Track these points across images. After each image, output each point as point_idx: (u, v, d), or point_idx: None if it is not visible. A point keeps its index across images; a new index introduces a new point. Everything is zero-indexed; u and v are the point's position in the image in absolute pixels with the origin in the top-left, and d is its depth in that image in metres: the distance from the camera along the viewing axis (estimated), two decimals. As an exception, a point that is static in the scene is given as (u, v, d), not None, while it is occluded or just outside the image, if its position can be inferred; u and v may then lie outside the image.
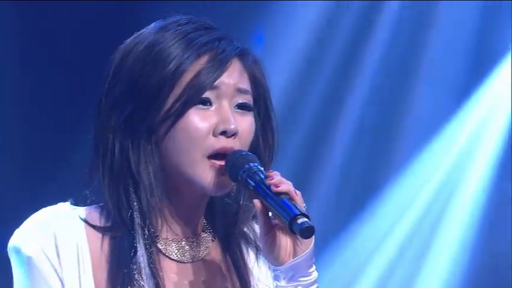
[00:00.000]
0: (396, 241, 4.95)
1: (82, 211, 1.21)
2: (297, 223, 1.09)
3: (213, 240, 1.25)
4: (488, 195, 4.96)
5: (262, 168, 1.16)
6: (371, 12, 6.05)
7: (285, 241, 1.14)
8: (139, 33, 1.22)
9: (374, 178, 5.46)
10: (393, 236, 4.95)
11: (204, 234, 1.24)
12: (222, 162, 1.17)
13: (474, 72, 5.83)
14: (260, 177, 1.14)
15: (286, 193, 1.12)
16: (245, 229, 1.26)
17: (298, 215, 1.09)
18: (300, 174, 5.49)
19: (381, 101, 5.69)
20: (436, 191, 5.07)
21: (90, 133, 1.23)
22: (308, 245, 1.14)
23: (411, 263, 4.90)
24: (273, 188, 1.12)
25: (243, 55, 1.22)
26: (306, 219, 1.09)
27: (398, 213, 5.02)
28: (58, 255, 1.16)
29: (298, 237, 1.11)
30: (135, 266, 1.16)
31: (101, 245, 1.19)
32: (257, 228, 1.24)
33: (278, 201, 1.12)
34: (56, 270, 1.16)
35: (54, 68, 5.40)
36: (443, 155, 5.17)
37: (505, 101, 5.23)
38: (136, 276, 1.16)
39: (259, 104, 1.23)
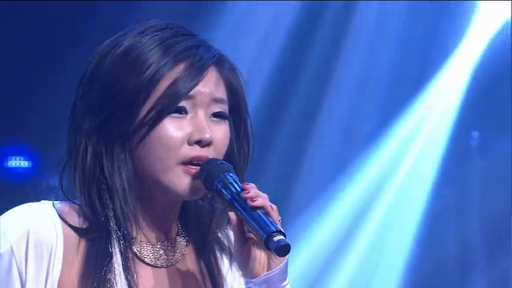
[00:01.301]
0: (334, 249, 5.01)
1: (62, 208, 1.19)
2: (273, 241, 1.08)
3: (187, 245, 1.24)
4: (428, 201, 5.06)
5: (237, 180, 1.15)
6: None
7: (259, 254, 1.14)
8: (116, 36, 1.21)
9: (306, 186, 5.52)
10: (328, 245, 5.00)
11: (178, 239, 1.24)
12: (197, 168, 1.17)
13: (415, 75, 5.96)
14: (236, 189, 1.14)
15: (262, 207, 1.12)
16: (220, 235, 1.26)
17: (274, 232, 1.08)
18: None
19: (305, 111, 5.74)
20: (377, 197, 5.13)
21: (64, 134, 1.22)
22: (282, 259, 1.14)
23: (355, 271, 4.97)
24: (249, 202, 1.12)
25: (219, 63, 1.22)
26: (282, 237, 1.08)
27: (338, 220, 5.08)
28: (26, 254, 1.14)
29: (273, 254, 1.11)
30: (109, 269, 1.15)
31: (77, 245, 1.17)
32: (231, 234, 1.25)
33: (254, 216, 1.11)
34: (19, 269, 1.14)
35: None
36: (382, 161, 5.25)
37: (446, 104, 5.33)
38: (110, 279, 1.15)
39: (235, 112, 1.24)
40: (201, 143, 1.17)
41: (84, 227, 1.18)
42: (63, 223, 1.17)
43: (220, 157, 1.19)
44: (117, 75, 1.17)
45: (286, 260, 1.14)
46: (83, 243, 1.17)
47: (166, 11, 4.80)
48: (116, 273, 1.16)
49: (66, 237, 1.16)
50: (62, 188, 1.20)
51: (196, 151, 1.17)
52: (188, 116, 1.18)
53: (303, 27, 5.46)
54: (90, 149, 1.18)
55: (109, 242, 1.17)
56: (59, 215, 1.18)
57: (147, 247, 1.20)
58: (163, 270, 1.20)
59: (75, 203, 1.20)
